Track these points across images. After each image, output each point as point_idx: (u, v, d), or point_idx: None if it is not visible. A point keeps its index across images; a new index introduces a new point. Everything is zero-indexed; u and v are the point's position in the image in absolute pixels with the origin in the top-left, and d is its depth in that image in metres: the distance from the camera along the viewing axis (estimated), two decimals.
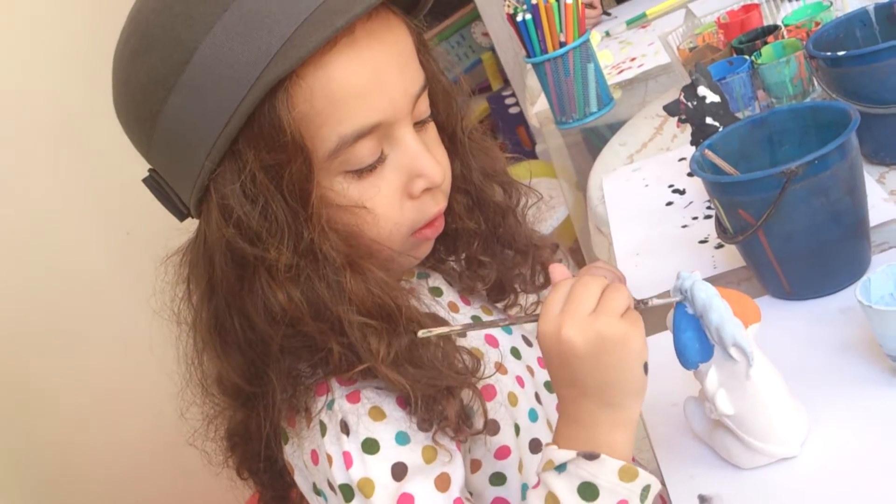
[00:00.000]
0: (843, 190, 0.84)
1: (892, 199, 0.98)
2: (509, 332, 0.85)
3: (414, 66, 0.70)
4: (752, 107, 1.27)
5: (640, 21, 2.05)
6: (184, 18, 0.64)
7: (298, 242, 0.65)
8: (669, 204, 1.19)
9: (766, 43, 1.31)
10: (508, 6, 1.58)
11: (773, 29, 1.36)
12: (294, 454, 0.71)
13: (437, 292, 0.84)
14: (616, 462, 0.63)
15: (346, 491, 0.66)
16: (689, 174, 1.23)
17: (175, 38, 0.64)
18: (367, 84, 0.65)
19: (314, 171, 0.65)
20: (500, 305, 0.91)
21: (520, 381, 0.81)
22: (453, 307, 0.84)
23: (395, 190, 0.70)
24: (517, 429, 0.78)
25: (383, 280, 0.68)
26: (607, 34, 2.07)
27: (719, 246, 1.03)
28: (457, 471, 0.69)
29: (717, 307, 0.68)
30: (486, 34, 3.37)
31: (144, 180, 0.71)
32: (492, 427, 0.75)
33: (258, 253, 0.65)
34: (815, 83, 1.17)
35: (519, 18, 1.55)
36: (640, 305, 0.68)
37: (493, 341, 0.81)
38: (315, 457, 0.69)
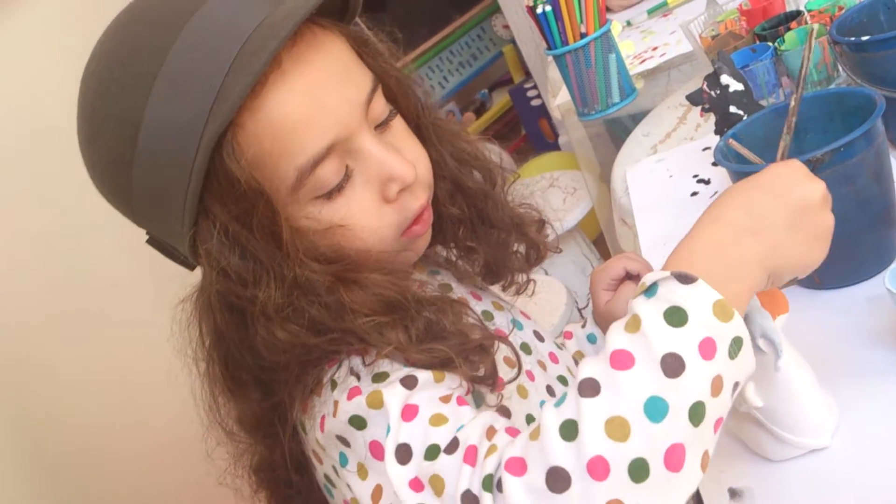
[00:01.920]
0: (869, 177, 0.83)
1: None
2: (521, 328, 0.85)
3: (356, 72, 0.70)
4: (777, 94, 1.25)
5: (661, 10, 2.03)
6: (121, 95, 0.65)
7: (283, 280, 0.65)
8: (694, 194, 1.18)
9: (789, 29, 1.29)
10: None
11: (796, 15, 1.34)
12: (312, 438, 0.70)
13: (446, 289, 0.85)
14: (714, 293, 0.54)
15: (358, 421, 0.64)
16: (714, 164, 1.22)
17: (118, 116, 0.65)
18: (308, 110, 0.65)
19: (278, 210, 0.66)
20: (496, 287, 0.90)
21: (530, 375, 0.80)
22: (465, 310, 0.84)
23: (370, 200, 0.70)
24: (528, 419, 0.78)
25: (381, 279, 0.68)
26: (628, 24, 2.06)
27: None
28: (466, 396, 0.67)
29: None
30: (506, 26, 3.37)
31: (148, 242, 0.73)
32: (503, 414, 0.75)
33: (248, 297, 0.66)
34: (840, 69, 1.16)
35: (539, 11, 1.55)
36: None
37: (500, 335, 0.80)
38: (323, 421, 0.67)
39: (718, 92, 1.11)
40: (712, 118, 1.13)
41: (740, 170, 0.86)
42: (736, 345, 0.55)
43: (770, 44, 1.27)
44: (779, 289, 0.69)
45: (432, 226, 0.77)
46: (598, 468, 0.51)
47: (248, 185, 0.64)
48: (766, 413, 0.68)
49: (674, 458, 0.51)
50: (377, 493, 0.62)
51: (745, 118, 1.04)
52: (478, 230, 0.85)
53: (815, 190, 0.63)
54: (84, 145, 0.70)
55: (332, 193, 0.68)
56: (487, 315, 0.84)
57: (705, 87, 1.12)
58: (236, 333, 0.69)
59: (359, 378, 0.66)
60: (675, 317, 0.54)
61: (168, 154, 0.64)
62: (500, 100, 3.64)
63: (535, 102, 3.37)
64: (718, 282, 0.56)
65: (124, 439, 1.50)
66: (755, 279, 0.59)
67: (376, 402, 0.63)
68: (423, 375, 0.65)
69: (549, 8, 1.54)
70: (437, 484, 0.58)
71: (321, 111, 0.65)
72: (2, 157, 1.50)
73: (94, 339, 1.55)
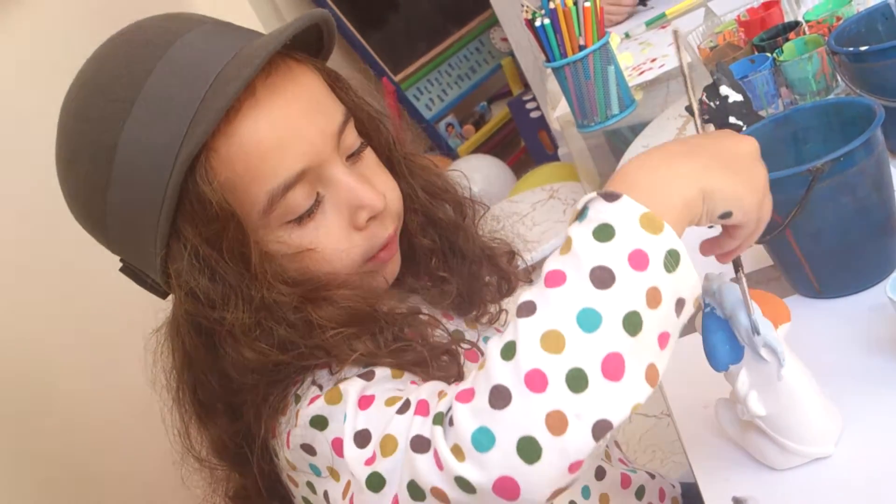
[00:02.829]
0: (870, 186, 0.83)
1: None
2: None
3: (328, 104, 0.72)
4: (776, 104, 1.26)
5: (659, 21, 2.04)
6: (98, 121, 0.68)
7: (250, 302, 0.67)
8: None
9: (787, 40, 1.30)
10: (526, 12, 1.58)
11: (794, 25, 1.35)
12: (283, 460, 0.70)
13: (416, 310, 0.85)
14: (640, 207, 0.54)
15: (319, 422, 0.64)
16: None
17: (95, 141, 0.68)
18: (281, 137, 0.67)
19: (248, 233, 0.68)
20: (469, 317, 0.90)
21: None
22: (434, 324, 0.84)
23: (340, 227, 0.72)
24: None
25: (349, 294, 0.69)
26: (627, 36, 2.07)
27: None
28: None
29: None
30: (504, 39, 3.38)
31: (121, 270, 0.75)
32: None
33: (216, 318, 0.67)
34: (839, 79, 1.16)
35: (537, 24, 1.55)
36: None
37: (473, 357, 0.79)
38: (289, 436, 0.68)
39: (718, 103, 1.11)
40: (712, 129, 1.13)
41: None
42: (672, 257, 0.54)
43: (768, 54, 1.27)
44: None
45: (405, 257, 0.80)
46: (535, 381, 0.51)
47: (219, 208, 0.65)
48: (769, 422, 0.69)
49: (611, 366, 0.52)
50: (348, 489, 0.63)
51: (744, 128, 1.04)
52: (449, 261, 0.86)
53: (746, 141, 0.64)
54: (61, 171, 0.72)
55: (302, 218, 0.70)
56: (458, 333, 0.84)
57: (704, 97, 1.12)
58: (205, 356, 0.70)
59: (321, 388, 0.67)
60: (603, 233, 0.54)
61: (143, 175, 0.66)
62: (500, 112, 3.65)
63: (534, 114, 3.38)
64: (647, 197, 0.55)
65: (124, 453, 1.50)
66: (687, 195, 0.57)
67: (335, 398, 0.65)
68: (382, 371, 0.66)
69: (547, 21, 1.54)
70: (389, 444, 0.59)
71: (294, 138, 0.68)
72: (5, 162, 1.51)
73: (94, 344, 1.55)
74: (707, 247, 0.67)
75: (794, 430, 0.68)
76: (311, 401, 0.66)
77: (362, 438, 0.62)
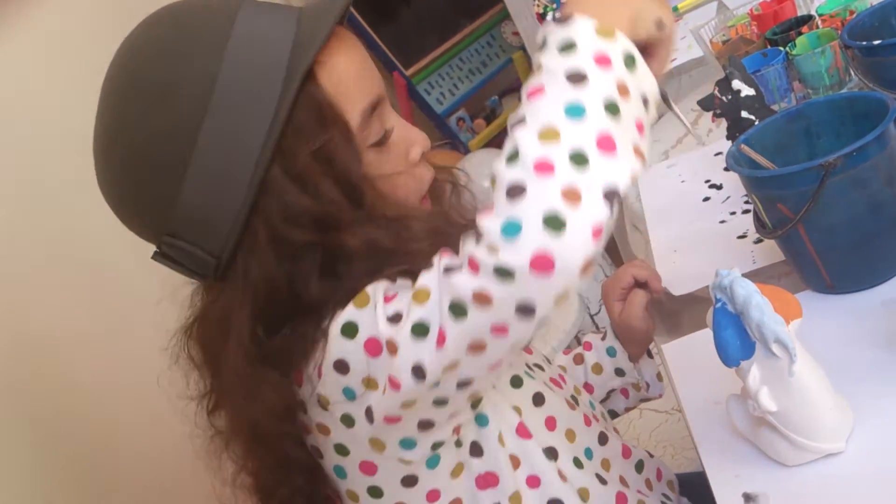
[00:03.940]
0: (882, 181, 0.83)
1: None
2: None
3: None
4: (789, 99, 1.25)
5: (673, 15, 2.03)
6: (194, 52, 0.69)
7: (357, 213, 0.71)
8: (706, 199, 1.18)
9: (800, 33, 1.29)
10: (538, 5, 1.58)
11: (807, 19, 1.34)
12: (313, 403, 0.72)
13: None
14: (590, 21, 0.61)
15: (349, 329, 0.68)
16: (726, 169, 1.22)
17: (188, 74, 0.69)
18: (360, 68, 0.74)
19: (353, 141, 0.72)
20: None
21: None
22: None
23: (401, 159, 0.77)
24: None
25: (428, 213, 0.77)
26: None
27: (758, 241, 1.02)
28: None
29: (758, 303, 0.67)
30: (516, 33, 3.36)
31: (155, 256, 0.74)
32: None
33: (314, 239, 0.70)
34: (852, 73, 1.16)
35: (549, 17, 1.55)
36: None
37: None
38: (320, 367, 0.69)
39: (730, 97, 1.11)
40: (724, 123, 1.12)
41: (752, 175, 0.86)
42: (630, 59, 0.61)
43: (781, 48, 1.27)
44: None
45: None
46: (543, 168, 0.57)
47: (330, 112, 0.70)
48: (780, 418, 0.68)
49: (605, 143, 0.58)
50: (388, 383, 0.65)
51: (756, 123, 1.04)
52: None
53: None
54: (135, 116, 0.69)
55: (381, 143, 0.75)
56: None
57: (717, 92, 1.12)
58: (282, 275, 0.70)
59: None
60: (567, 47, 0.61)
61: (250, 96, 0.68)
62: (511, 106, 3.64)
63: None
64: (596, 17, 0.61)
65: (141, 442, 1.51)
66: (628, 14, 0.63)
67: (363, 300, 0.68)
68: (405, 281, 0.70)
69: (559, 14, 1.54)
70: (421, 295, 0.63)
71: (369, 70, 0.75)
72: (21, 162, 1.51)
73: (113, 337, 1.56)
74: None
75: (805, 426, 0.68)
76: (338, 316, 0.69)
77: (395, 318, 0.65)
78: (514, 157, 0.59)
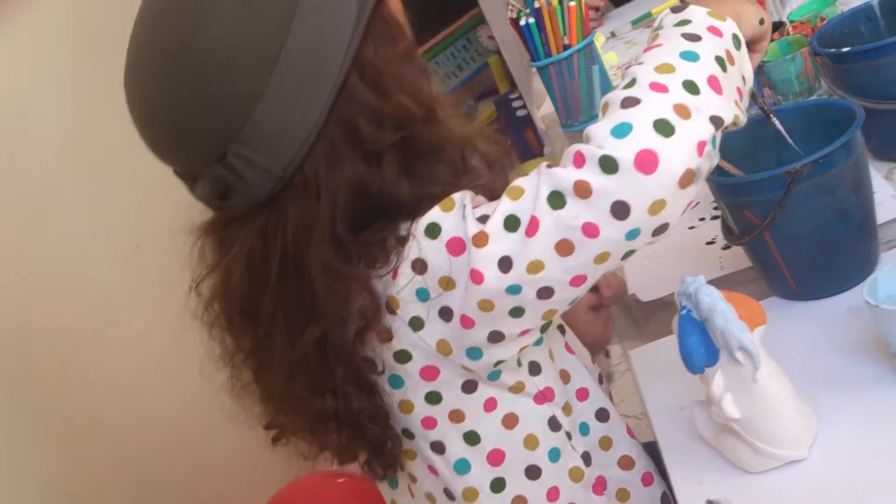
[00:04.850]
0: (848, 188, 0.83)
1: None
2: None
3: None
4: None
5: (645, 21, 2.04)
6: None
7: (433, 122, 0.74)
8: None
9: (771, 40, 1.29)
10: (511, 10, 1.57)
11: (778, 25, 1.35)
12: (382, 307, 0.72)
13: None
14: (704, 8, 0.71)
15: (432, 230, 0.69)
16: None
17: None
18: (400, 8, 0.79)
19: (419, 59, 0.77)
20: None
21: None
22: None
23: None
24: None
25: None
26: (612, 35, 2.07)
27: (726, 247, 1.02)
28: None
29: (722, 311, 0.67)
30: (491, 37, 3.37)
31: (220, 169, 0.70)
32: None
33: (408, 134, 0.72)
34: (822, 80, 1.16)
35: (522, 22, 1.54)
36: None
37: None
38: (396, 270, 0.70)
39: None
40: None
41: (719, 181, 0.86)
42: (737, 39, 0.71)
43: None
44: (755, 300, 0.69)
45: None
46: (658, 87, 0.64)
47: (399, 30, 0.75)
48: (743, 425, 0.68)
49: (714, 84, 0.66)
50: (470, 280, 0.66)
51: None
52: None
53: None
54: (215, 29, 0.68)
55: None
56: None
57: None
58: (367, 178, 0.71)
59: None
60: (682, 22, 0.70)
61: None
62: (486, 110, 3.64)
63: (520, 113, 3.37)
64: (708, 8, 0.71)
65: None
66: (734, 9, 0.73)
67: (448, 205, 0.70)
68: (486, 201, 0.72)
69: (532, 20, 1.53)
70: (515, 192, 0.66)
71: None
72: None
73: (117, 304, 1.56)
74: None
75: (768, 433, 0.68)
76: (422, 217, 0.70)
77: (482, 218, 0.67)
78: (630, 83, 0.65)
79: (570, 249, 0.64)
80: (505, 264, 0.65)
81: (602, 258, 0.65)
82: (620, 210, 0.61)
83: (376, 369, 0.75)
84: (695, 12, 0.70)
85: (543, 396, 0.80)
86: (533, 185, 0.65)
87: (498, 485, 0.80)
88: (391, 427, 0.79)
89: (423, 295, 0.70)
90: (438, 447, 0.79)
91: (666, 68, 0.65)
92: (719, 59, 0.68)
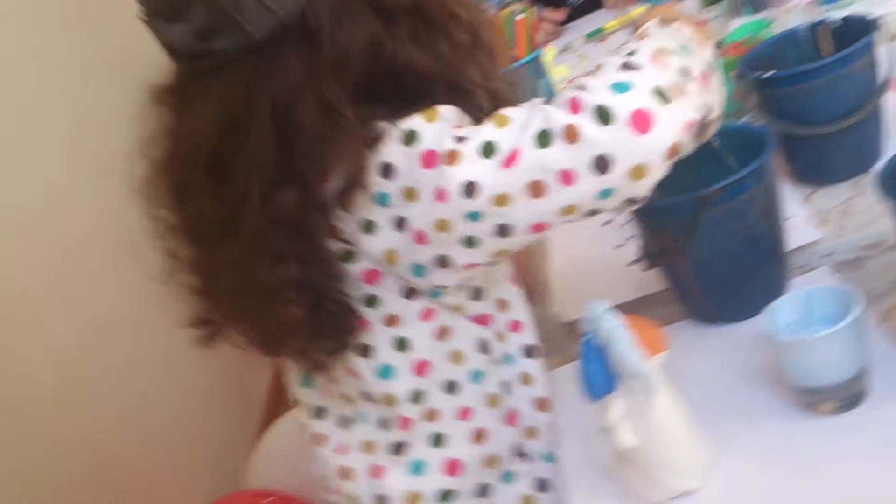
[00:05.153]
0: (759, 214, 0.84)
1: (815, 221, 0.98)
2: None
3: None
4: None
5: (597, 35, 2.05)
6: None
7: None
8: (606, 223, 1.18)
9: None
10: None
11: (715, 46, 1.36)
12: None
13: None
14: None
15: (410, 137, 0.67)
16: None
17: None
18: None
19: None
20: None
21: None
22: None
23: None
24: None
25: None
26: (566, 48, 2.07)
27: (648, 268, 1.03)
28: None
29: (621, 337, 0.67)
30: None
31: None
32: None
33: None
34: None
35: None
36: None
37: None
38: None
39: None
40: None
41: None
42: (712, 64, 0.73)
43: None
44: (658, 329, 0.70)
45: None
46: (658, 62, 0.66)
47: None
48: (638, 454, 0.68)
49: (704, 79, 0.70)
50: (432, 199, 0.66)
51: None
52: None
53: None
54: None
55: None
56: None
57: None
58: (376, 35, 0.70)
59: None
60: (674, 31, 0.72)
61: None
62: None
63: None
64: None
65: None
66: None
67: (432, 115, 0.68)
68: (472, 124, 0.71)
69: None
70: (503, 119, 0.66)
71: None
72: None
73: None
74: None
75: (662, 462, 0.68)
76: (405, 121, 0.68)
77: (461, 139, 0.66)
78: (630, 53, 0.67)
79: (542, 192, 0.64)
80: (472, 189, 0.64)
81: (568, 210, 0.65)
82: (602, 164, 0.62)
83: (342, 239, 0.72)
84: (680, 28, 0.73)
85: (480, 320, 0.81)
86: (522, 117, 0.65)
87: (417, 396, 0.80)
88: (350, 299, 0.75)
89: (383, 200, 0.69)
90: (365, 351, 0.78)
91: (664, 52, 0.68)
92: (708, 65, 0.72)
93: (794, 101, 1.00)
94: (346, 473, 0.84)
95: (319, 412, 0.86)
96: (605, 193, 0.64)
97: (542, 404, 0.87)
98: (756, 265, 0.85)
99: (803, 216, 0.99)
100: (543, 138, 0.63)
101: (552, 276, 1.11)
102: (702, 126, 0.71)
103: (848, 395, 0.70)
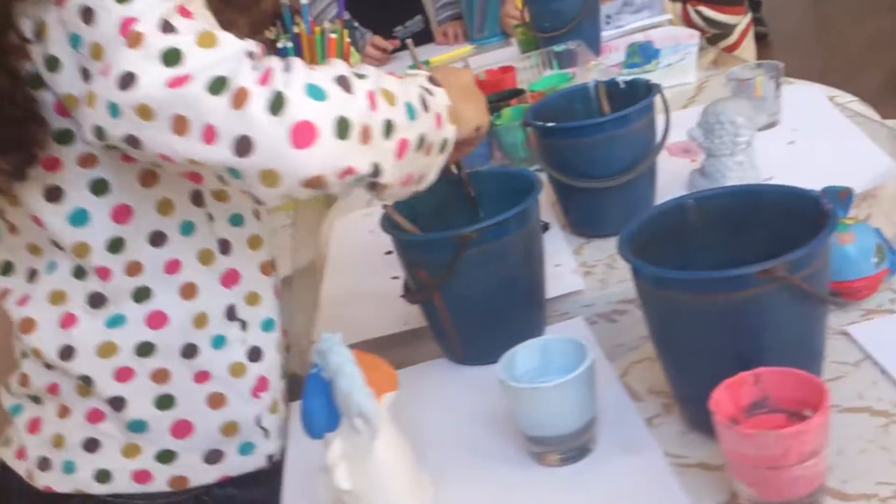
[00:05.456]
0: (519, 257, 0.84)
1: (581, 272, 0.99)
2: None
3: None
4: (487, 165, 1.27)
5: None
6: None
7: None
8: (389, 253, 1.16)
9: (509, 105, 1.33)
10: (271, 31, 1.53)
11: (519, 92, 1.39)
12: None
13: None
14: (447, 100, 0.75)
15: None
16: None
17: None
18: None
19: None
20: None
21: None
22: None
23: None
24: None
25: None
26: None
27: None
28: None
29: (349, 374, 0.64)
30: None
31: None
32: None
33: None
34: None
35: (280, 45, 1.50)
36: None
37: None
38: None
39: None
40: None
41: (397, 238, 0.85)
42: (445, 145, 0.74)
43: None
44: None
45: None
46: (371, 97, 0.65)
47: None
48: (353, 497, 0.65)
49: (402, 148, 0.68)
50: (108, 69, 0.62)
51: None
52: None
53: (467, 73, 0.84)
54: None
55: None
56: None
57: None
58: None
59: None
60: (428, 91, 0.74)
61: None
62: None
63: None
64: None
65: None
66: (464, 117, 0.79)
67: None
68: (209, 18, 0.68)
69: (290, 44, 1.50)
70: (207, 39, 0.63)
71: None
72: None
73: None
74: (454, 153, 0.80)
75: None
76: None
77: (167, 27, 0.62)
78: (361, 76, 0.66)
79: (182, 131, 0.61)
80: (128, 83, 0.62)
81: (193, 163, 0.63)
82: (244, 146, 0.60)
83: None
84: (441, 95, 0.75)
85: (229, 278, 0.80)
86: (228, 51, 0.62)
87: (116, 245, 0.74)
88: (36, 104, 0.70)
89: (74, 42, 0.65)
90: (56, 194, 0.72)
91: (388, 96, 0.67)
92: (421, 139, 0.70)
93: (574, 154, 1.03)
94: (27, 326, 0.77)
95: (6, 268, 0.78)
96: (234, 173, 0.62)
97: (265, 268, 0.84)
98: (512, 309, 0.85)
99: (571, 266, 1.01)
100: (217, 84, 0.61)
101: (323, 305, 1.07)
102: (370, 184, 0.67)
103: (572, 448, 0.69)
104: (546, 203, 1.18)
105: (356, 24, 2.18)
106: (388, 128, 0.66)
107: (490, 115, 1.26)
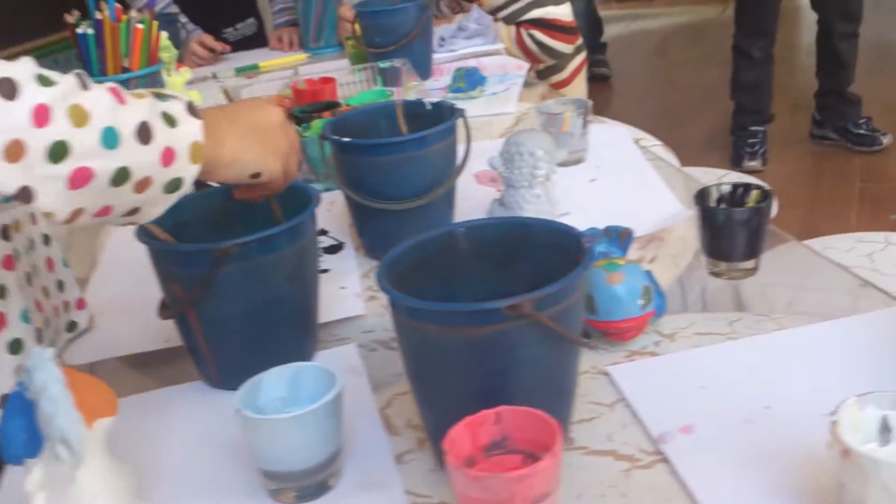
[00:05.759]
0: (285, 276, 0.78)
1: (366, 296, 0.96)
2: None
3: None
4: None
5: (249, 71, 1.99)
6: None
7: None
8: None
9: (318, 117, 1.28)
10: (72, 15, 1.41)
11: (334, 105, 1.34)
12: None
13: None
14: (199, 133, 0.67)
15: None
16: None
17: None
18: None
19: None
20: None
21: None
22: None
23: None
24: None
25: None
26: (214, 76, 1.98)
27: None
28: None
29: (54, 395, 0.57)
30: None
31: None
32: None
33: None
34: None
35: (80, 30, 1.39)
36: None
37: None
38: None
39: None
40: None
41: (152, 247, 0.78)
42: (175, 183, 0.66)
43: (298, 128, 1.24)
44: None
45: None
46: (39, 112, 0.57)
47: None
48: None
49: (79, 176, 0.60)
50: None
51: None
52: None
53: (274, 112, 0.76)
54: None
55: None
56: None
57: None
58: None
59: None
60: (167, 119, 0.65)
61: None
62: None
63: None
64: (209, 140, 0.68)
65: None
66: (228, 157, 0.71)
67: None
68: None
69: (91, 31, 1.39)
70: None
71: None
72: None
73: None
74: (242, 191, 0.77)
75: None
76: None
77: None
78: (83, 81, 0.60)
79: None
80: None
81: None
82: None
83: None
84: (193, 128, 0.66)
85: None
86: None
87: None
88: None
89: None
90: None
91: (77, 115, 0.58)
92: (122, 172, 0.62)
93: (371, 173, 0.99)
94: None
95: None
96: None
97: (8, 262, 0.77)
98: (276, 332, 0.79)
99: (356, 289, 0.97)
100: None
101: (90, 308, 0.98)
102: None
103: (309, 485, 0.65)
104: (343, 222, 1.14)
105: (183, 19, 2.08)
106: (59, 151, 0.58)
107: (297, 127, 1.23)
